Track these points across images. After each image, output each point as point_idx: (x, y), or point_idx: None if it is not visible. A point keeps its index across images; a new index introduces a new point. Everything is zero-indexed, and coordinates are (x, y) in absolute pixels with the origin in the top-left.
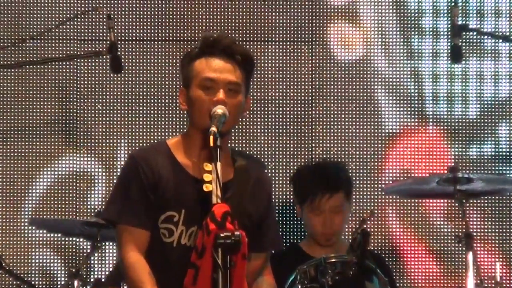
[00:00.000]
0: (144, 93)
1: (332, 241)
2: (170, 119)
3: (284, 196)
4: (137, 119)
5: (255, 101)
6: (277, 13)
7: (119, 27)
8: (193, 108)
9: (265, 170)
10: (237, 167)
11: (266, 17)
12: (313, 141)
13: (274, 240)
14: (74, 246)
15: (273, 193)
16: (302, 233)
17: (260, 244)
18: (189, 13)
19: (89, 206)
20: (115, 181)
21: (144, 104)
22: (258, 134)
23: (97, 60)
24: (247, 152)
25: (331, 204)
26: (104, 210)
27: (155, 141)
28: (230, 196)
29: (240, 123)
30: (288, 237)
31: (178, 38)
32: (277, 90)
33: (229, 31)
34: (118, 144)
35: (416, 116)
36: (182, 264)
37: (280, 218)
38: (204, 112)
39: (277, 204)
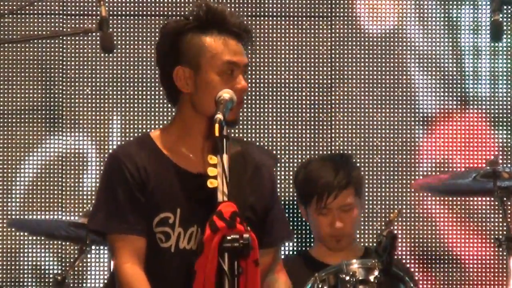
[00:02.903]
0: (139, 76)
1: (343, 245)
2: (169, 104)
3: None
4: (131, 105)
5: (266, 86)
6: None
7: (111, 0)
8: (204, 94)
9: (277, 164)
10: (232, 154)
11: None
12: (333, 131)
13: (283, 232)
14: (59, 250)
15: (286, 189)
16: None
17: (268, 239)
18: None
19: (76, 204)
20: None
21: (139, 88)
22: (269, 123)
23: (85, 38)
24: (258, 144)
25: (339, 203)
26: (90, 221)
27: (153, 130)
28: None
29: (249, 111)
30: (302, 242)
31: (178, 13)
32: (291, 73)
33: (237, 5)
34: (109, 134)
35: (455, 98)
36: (182, 272)
37: (296, 220)
38: None
39: (290, 204)
